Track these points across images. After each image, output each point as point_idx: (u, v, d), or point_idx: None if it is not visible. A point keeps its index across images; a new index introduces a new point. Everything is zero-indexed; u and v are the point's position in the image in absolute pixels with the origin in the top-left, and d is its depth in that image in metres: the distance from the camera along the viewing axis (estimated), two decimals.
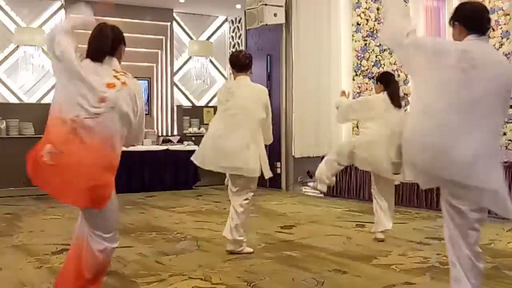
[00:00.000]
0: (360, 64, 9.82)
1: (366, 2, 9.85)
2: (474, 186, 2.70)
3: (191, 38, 10.69)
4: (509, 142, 10.12)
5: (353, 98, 9.62)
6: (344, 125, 9.23)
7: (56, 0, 9.43)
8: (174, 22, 10.43)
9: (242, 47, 10.52)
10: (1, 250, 4.99)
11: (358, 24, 9.76)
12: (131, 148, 9.42)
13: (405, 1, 10.29)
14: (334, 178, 5.55)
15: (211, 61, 10.84)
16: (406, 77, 10.20)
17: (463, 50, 2.76)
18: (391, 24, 2.92)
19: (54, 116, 2.85)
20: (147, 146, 9.56)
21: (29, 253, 4.80)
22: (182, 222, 6.47)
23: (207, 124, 10.14)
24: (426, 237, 5.41)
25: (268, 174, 4.79)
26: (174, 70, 10.45)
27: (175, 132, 10.36)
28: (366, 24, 9.86)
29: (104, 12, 3.01)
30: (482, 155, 2.68)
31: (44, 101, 9.35)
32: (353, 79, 9.73)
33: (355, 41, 9.76)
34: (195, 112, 10.55)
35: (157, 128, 10.26)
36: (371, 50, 9.88)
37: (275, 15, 8.86)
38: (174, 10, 10.35)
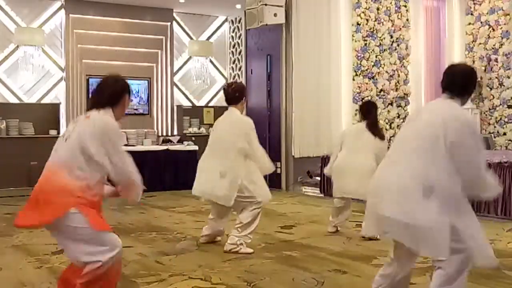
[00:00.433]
0: (360, 64, 9.82)
1: (366, 2, 9.85)
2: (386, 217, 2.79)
3: (191, 38, 10.69)
4: (509, 142, 10.13)
5: (353, 98, 9.66)
6: (344, 125, 9.25)
7: (56, 0, 9.43)
8: (174, 22, 10.43)
9: (242, 47, 10.52)
10: (1, 250, 4.99)
11: (358, 24, 9.77)
12: (131, 148, 9.39)
13: (405, 1, 10.31)
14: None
15: (211, 61, 10.84)
16: (406, 76, 10.22)
17: (422, 108, 3.19)
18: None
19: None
20: (147, 146, 9.56)
21: (29, 253, 4.80)
22: (182, 222, 6.47)
23: (207, 124, 10.19)
24: None
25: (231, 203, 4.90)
26: (174, 70, 10.45)
27: (175, 132, 10.36)
28: (366, 24, 9.86)
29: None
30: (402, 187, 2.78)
31: (44, 101, 9.35)
32: (353, 79, 9.74)
33: (355, 41, 9.77)
34: (195, 112, 10.55)
35: (157, 128, 10.26)
36: (371, 50, 9.89)
37: (275, 15, 8.86)
38: (174, 10, 10.35)
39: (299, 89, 9.25)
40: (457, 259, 2.79)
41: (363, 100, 6.16)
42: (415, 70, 10.28)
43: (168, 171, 9.47)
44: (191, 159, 9.58)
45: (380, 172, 3.00)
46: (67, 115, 9.26)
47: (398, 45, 10.17)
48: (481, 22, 10.51)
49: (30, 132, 8.84)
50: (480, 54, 10.50)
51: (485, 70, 10.38)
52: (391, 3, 10.11)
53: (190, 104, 10.72)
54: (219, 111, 5.35)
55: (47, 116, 8.93)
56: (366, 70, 9.85)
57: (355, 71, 9.77)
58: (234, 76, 10.87)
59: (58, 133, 8.89)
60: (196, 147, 9.51)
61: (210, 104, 10.70)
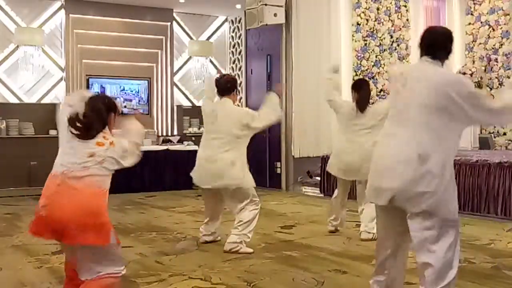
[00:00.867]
0: (360, 64, 9.82)
1: (366, 2, 9.85)
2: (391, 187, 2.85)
3: (191, 38, 10.69)
4: (509, 142, 10.13)
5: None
6: None
7: (56, 0, 9.43)
8: (174, 22, 10.43)
9: (242, 47, 10.52)
10: (1, 250, 4.99)
11: (358, 24, 9.77)
12: None
13: (405, 1, 10.31)
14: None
15: (211, 61, 10.84)
16: None
17: (400, 72, 3.08)
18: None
19: (51, 173, 3.08)
20: (147, 146, 9.55)
21: (29, 253, 4.80)
22: (182, 222, 6.47)
23: None
24: None
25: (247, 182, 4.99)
26: (174, 70, 10.45)
27: (175, 132, 10.36)
28: (366, 24, 9.86)
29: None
30: (401, 160, 2.83)
31: (44, 101, 9.35)
32: (353, 79, 9.73)
33: (355, 41, 9.77)
34: (195, 112, 10.53)
35: (157, 128, 10.26)
36: (371, 50, 9.89)
37: (275, 15, 8.86)
38: (174, 10, 10.35)
39: (299, 89, 9.25)
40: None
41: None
42: None
43: (168, 171, 9.48)
44: (191, 159, 9.55)
45: (380, 147, 3.01)
46: None
47: (398, 45, 10.17)
48: (481, 22, 10.51)
49: (30, 132, 8.85)
50: (480, 54, 10.50)
51: (485, 70, 10.38)
52: (391, 3, 10.11)
53: (190, 104, 10.72)
54: None
55: (47, 116, 8.93)
56: (366, 70, 9.85)
57: (355, 71, 9.77)
58: (234, 76, 10.86)
59: (58, 133, 8.89)
60: (196, 147, 9.48)
61: None
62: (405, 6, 10.29)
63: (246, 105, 10.40)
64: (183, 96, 10.70)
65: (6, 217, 6.77)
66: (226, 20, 11.01)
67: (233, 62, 10.90)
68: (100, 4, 9.56)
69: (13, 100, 9.19)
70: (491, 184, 6.52)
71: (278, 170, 9.55)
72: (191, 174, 5.23)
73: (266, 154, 9.73)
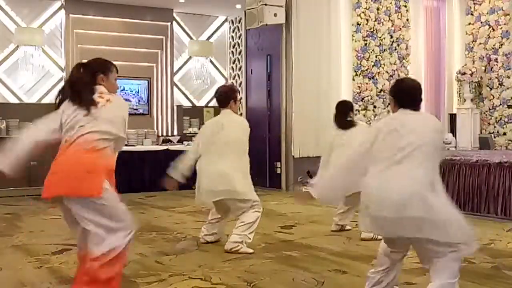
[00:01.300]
0: (360, 64, 9.82)
1: (366, 2, 9.85)
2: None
3: (191, 38, 10.69)
4: (509, 142, 10.13)
5: (353, 98, 9.66)
6: None
7: (56, 0, 9.43)
8: (174, 22, 10.43)
9: (242, 47, 10.52)
10: (1, 250, 4.99)
11: (358, 24, 9.77)
12: (131, 148, 9.41)
13: (405, 1, 10.31)
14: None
15: (211, 61, 10.84)
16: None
17: (390, 117, 3.29)
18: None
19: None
20: (147, 146, 9.56)
21: (29, 253, 4.80)
22: (182, 222, 6.48)
23: None
24: None
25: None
26: (174, 70, 10.45)
27: (175, 132, 10.36)
28: (366, 24, 9.86)
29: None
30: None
31: (44, 101, 9.35)
32: (353, 79, 9.74)
33: (355, 41, 9.77)
34: (195, 112, 10.55)
35: (157, 128, 10.26)
36: (371, 50, 9.89)
37: (275, 15, 8.86)
38: (174, 10, 10.35)
39: (299, 89, 9.25)
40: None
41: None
42: (415, 70, 10.27)
43: (168, 171, 9.46)
44: None
45: (378, 180, 3.06)
46: None
47: (398, 45, 10.17)
48: (481, 22, 10.50)
49: None
50: (480, 54, 10.49)
51: (485, 70, 10.38)
52: (391, 3, 10.11)
53: (190, 104, 10.72)
54: (219, 111, 5.35)
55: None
56: (366, 70, 9.85)
57: (355, 71, 9.77)
58: (234, 76, 10.87)
59: None
60: None
61: (210, 104, 10.70)
62: (405, 6, 10.28)
63: (246, 105, 10.41)
64: (183, 96, 10.70)
65: (6, 217, 6.77)
66: (226, 20, 11.01)
67: (233, 62, 10.89)
68: (100, 4, 9.56)
69: (13, 100, 9.19)
70: (491, 184, 6.52)
71: (278, 170, 9.54)
72: (196, 198, 5.18)
73: (266, 154, 9.73)
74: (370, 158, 3.13)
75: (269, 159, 9.72)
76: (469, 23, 10.71)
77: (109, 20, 9.73)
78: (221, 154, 4.89)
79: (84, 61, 3.46)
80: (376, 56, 9.93)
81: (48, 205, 7.50)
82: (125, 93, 9.80)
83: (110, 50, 9.66)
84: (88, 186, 3.00)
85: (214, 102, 10.80)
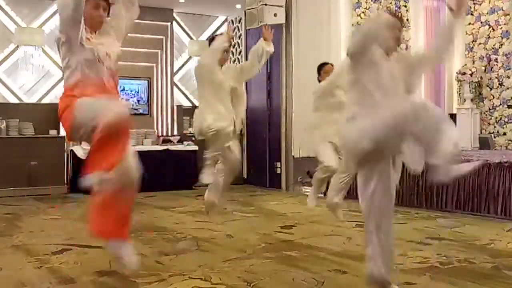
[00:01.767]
0: None
1: (366, 2, 9.85)
2: None
3: (191, 38, 10.69)
4: (509, 142, 10.13)
5: None
6: None
7: (56, 0, 9.42)
8: (174, 22, 10.43)
9: (242, 47, 10.52)
10: (1, 250, 4.99)
11: (358, 24, 9.76)
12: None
13: (405, 1, 10.31)
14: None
15: None
16: None
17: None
18: None
19: None
20: (147, 146, 9.56)
21: (29, 253, 4.80)
22: (182, 222, 6.47)
23: None
24: (426, 237, 5.40)
25: None
26: (174, 70, 10.46)
27: (175, 132, 10.36)
28: None
29: None
30: None
31: (44, 101, 9.36)
32: None
33: None
34: None
35: (157, 128, 10.26)
36: None
37: (275, 15, 8.86)
38: (174, 10, 10.35)
39: (299, 89, 9.25)
40: None
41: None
42: None
43: (168, 171, 9.47)
44: (191, 159, 9.59)
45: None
46: None
47: (398, 45, 10.16)
48: (481, 22, 10.51)
49: (30, 132, 8.84)
50: (480, 54, 10.50)
51: (485, 70, 10.38)
52: (391, 3, 10.11)
53: (190, 104, 10.72)
54: None
55: (47, 116, 8.93)
56: None
57: None
58: None
59: (58, 133, 8.90)
60: (196, 147, 9.52)
61: None
62: (405, 6, 10.29)
63: (246, 105, 10.39)
64: (183, 96, 10.70)
65: (6, 217, 6.76)
66: (226, 20, 11.01)
67: (233, 62, 10.89)
68: None
69: (13, 100, 9.19)
70: (491, 184, 6.52)
71: (278, 170, 9.54)
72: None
73: (266, 154, 9.73)
74: None
75: (269, 159, 9.72)
76: (469, 23, 10.71)
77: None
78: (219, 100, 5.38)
79: None
80: None
81: (48, 205, 7.52)
82: (125, 93, 9.81)
83: None
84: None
85: None
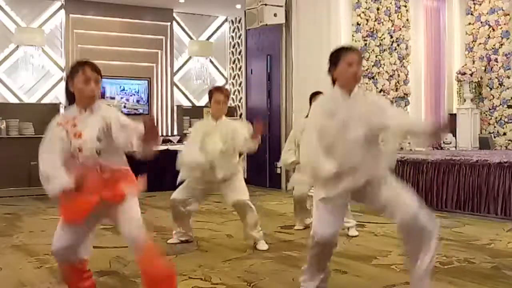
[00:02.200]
0: None
1: (366, 2, 9.84)
2: None
3: (191, 38, 10.69)
4: (509, 142, 10.13)
5: None
6: None
7: (56, 0, 9.43)
8: (174, 22, 10.44)
9: (242, 47, 10.52)
10: (1, 250, 4.99)
11: (358, 24, 9.76)
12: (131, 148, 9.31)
13: (405, 1, 10.31)
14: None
15: (211, 61, 10.84)
16: (406, 76, 10.22)
17: None
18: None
19: None
20: None
21: (29, 253, 4.80)
22: None
23: None
24: None
25: None
26: (174, 70, 10.46)
27: (175, 132, 10.36)
28: (366, 24, 9.85)
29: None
30: None
31: (44, 101, 9.36)
32: None
33: (355, 41, 9.75)
34: (195, 112, 10.54)
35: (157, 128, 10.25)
36: (371, 50, 9.88)
37: (275, 15, 8.86)
38: (174, 10, 10.36)
39: (299, 89, 9.24)
40: None
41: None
42: (415, 70, 10.27)
43: (168, 171, 9.41)
44: None
45: None
46: None
47: (398, 45, 10.16)
48: (481, 22, 10.50)
49: (30, 132, 8.84)
50: (480, 54, 10.49)
51: (485, 70, 10.38)
52: (391, 3, 10.10)
53: (190, 104, 10.72)
54: None
55: (47, 116, 8.84)
56: (366, 70, 9.84)
57: None
58: (234, 76, 10.87)
59: None
60: None
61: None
62: (405, 6, 10.28)
63: (246, 105, 10.41)
64: (183, 96, 10.71)
65: (6, 217, 6.77)
66: (226, 20, 11.01)
67: (233, 62, 10.90)
68: (100, 4, 9.56)
69: (13, 100, 9.19)
70: (491, 184, 6.52)
71: (278, 170, 9.54)
72: None
73: (266, 154, 9.73)
74: None
75: (269, 159, 9.72)
76: (469, 23, 10.71)
77: (109, 20, 9.73)
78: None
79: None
80: (376, 56, 9.92)
81: (48, 205, 7.51)
82: (125, 93, 9.81)
83: (110, 50, 9.66)
84: None
85: None
